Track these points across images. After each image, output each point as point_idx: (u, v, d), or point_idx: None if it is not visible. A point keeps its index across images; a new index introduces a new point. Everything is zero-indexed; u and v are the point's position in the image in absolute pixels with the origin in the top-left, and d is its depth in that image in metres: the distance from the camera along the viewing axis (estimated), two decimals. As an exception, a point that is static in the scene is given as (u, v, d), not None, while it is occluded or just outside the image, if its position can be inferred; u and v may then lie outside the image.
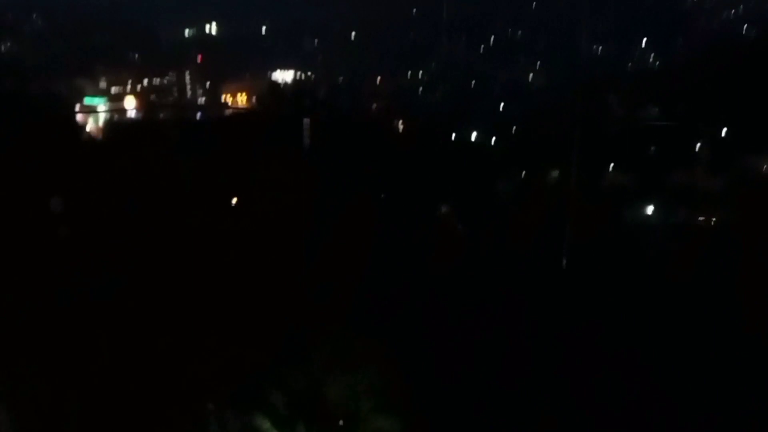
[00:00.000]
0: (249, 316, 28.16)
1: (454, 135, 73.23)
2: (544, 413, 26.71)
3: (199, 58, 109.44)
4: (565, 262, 38.44)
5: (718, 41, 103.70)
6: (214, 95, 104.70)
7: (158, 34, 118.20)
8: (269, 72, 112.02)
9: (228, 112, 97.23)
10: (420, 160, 53.87)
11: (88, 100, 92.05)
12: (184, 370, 25.94)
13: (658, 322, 29.99)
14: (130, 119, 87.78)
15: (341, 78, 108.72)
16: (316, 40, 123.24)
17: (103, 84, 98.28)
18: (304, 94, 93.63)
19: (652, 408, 26.18)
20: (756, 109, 61.91)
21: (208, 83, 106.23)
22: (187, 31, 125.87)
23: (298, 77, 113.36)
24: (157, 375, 25.94)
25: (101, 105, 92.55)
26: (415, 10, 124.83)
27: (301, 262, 32.42)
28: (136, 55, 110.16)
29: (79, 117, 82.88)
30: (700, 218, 49.24)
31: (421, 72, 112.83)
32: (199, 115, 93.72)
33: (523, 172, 58.52)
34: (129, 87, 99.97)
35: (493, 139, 74.11)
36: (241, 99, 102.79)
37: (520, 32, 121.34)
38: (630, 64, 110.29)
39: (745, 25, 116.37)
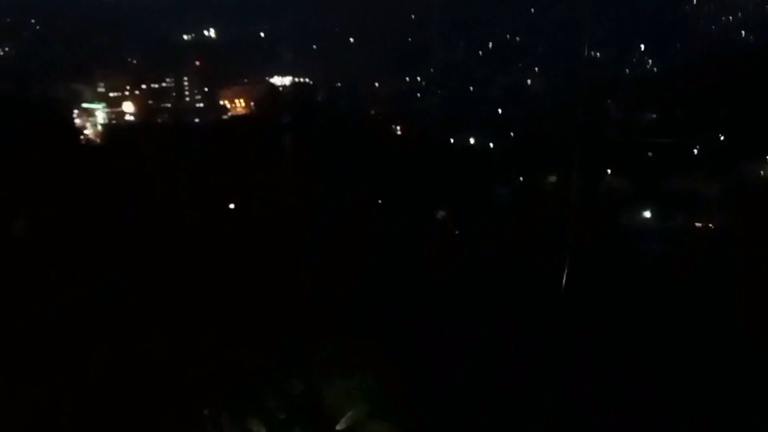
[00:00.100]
0: (246, 319, 28.15)
1: (452, 139, 73.32)
2: (542, 418, 26.65)
3: (197, 63, 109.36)
4: (564, 266, 38.36)
5: (716, 47, 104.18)
6: (212, 99, 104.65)
7: (157, 39, 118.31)
8: (268, 76, 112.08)
9: (226, 116, 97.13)
10: (418, 164, 53.87)
11: (86, 105, 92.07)
12: (181, 374, 25.91)
13: (657, 326, 29.98)
14: (129, 123, 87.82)
15: (340, 82, 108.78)
16: (315, 45, 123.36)
17: (101, 88, 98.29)
18: (302, 99, 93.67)
19: (651, 411, 26.12)
20: (754, 114, 62.09)
21: (206, 87, 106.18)
22: (185, 35, 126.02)
23: (296, 82, 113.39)
24: (153, 378, 25.89)
25: (100, 109, 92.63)
26: (413, 15, 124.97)
27: (298, 266, 32.42)
28: (135, 60, 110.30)
29: (77, 121, 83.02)
30: (698, 224, 49.25)
31: (419, 77, 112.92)
32: (197, 119, 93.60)
33: (521, 177, 58.54)
34: (127, 91, 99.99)
35: (492, 143, 74.11)
36: (240, 103, 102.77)
37: (518, 37, 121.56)
38: (628, 69, 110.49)
39: (743, 32, 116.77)
